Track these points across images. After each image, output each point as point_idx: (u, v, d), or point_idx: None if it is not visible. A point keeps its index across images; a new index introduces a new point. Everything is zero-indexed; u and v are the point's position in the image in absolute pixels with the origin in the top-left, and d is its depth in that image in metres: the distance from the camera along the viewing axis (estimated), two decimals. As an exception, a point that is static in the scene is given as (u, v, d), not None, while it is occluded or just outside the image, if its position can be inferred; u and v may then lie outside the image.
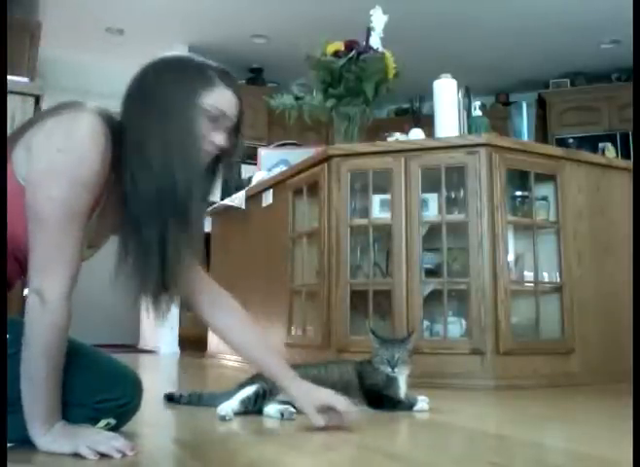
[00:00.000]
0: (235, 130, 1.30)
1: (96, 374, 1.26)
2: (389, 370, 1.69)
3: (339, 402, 1.39)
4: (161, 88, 1.20)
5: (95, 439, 1.11)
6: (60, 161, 1.10)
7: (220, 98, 1.24)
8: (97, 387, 1.23)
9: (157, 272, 1.19)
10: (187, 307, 1.44)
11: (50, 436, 1.10)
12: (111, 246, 1.38)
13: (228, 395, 1.64)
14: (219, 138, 1.25)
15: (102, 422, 1.22)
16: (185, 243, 1.21)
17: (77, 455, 1.07)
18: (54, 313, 1.10)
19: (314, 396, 1.40)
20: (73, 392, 1.18)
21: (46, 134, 1.13)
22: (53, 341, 1.10)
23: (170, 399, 1.83)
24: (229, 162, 1.33)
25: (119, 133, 1.18)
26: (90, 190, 1.13)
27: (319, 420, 1.36)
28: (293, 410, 1.55)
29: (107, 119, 1.18)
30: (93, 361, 1.29)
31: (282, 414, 1.53)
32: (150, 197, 1.16)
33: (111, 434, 1.15)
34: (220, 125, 1.25)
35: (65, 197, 1.10)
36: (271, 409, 1.56)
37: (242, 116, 1.32)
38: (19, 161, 1.14)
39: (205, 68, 1.25)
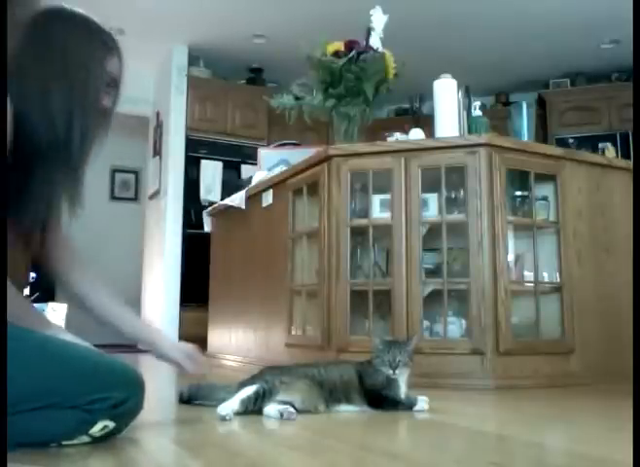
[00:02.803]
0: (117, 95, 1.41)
1: (86, 373, 1.20)
2: (390, 372, 1.69)
3: (196, 351, 1.55)
4: (73, 46, 1.29)
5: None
6: None
7: (117, 66, 1.36)
8: (88, 387, 1.18)
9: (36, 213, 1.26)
10: (42, 263, 1.44)
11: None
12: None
13: (226, 388, 1.64)
14: (107, 101, 1.36)
15: (99, 425, 1.18)
16: (61, 193, 1.28)
17: (79, 452, 1.07)
18: None
19: (180, 347, 1.54)
20: (63, 394, 1.15)
21: None
22: None
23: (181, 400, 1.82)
24: (106, 122, 1.40)
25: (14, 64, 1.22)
26: None
27: (189, 366, 1.51)
28: (293, 410, 1.55)
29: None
30: (82, 360, 1.23)
31: (282, 415, 1.53)
32: (43, 144, 1.22)
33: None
34: (110, 89, 1.36)
35: None
36: (271, 409, 1.56)
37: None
38: None
39: (108, 35, 1.36)
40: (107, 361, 1.25)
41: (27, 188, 1.24)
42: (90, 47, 1.31)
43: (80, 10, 1.36)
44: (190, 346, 1.55)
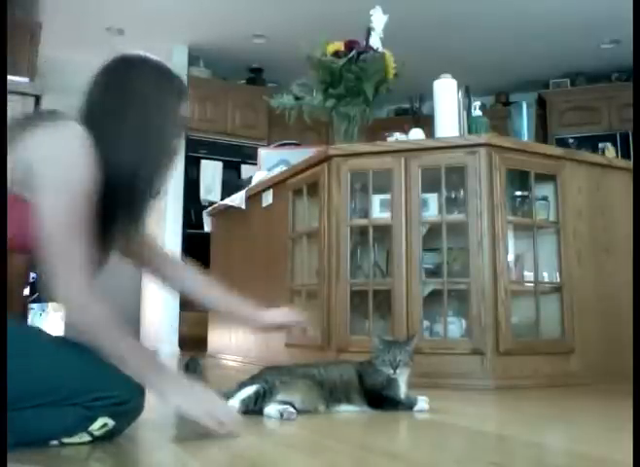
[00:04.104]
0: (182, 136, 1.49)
1: (91, 371, 1.22)
2: (391, 371, 1.69)
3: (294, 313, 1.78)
4: (152, 94, 1.33)
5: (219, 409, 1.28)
6: (59, 173, 1.18)
7: (186, 111, 1.41)
8: (91, 386, 1.19)
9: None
10: (141, 268, 1.66)
11: (184, 395, 1.24)
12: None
13: (228, 395, 1.63)
14: (175, 142, 1.41)
15: (99, 422, 1.18)
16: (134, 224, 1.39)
17: (78, 452, 1.07)
18: (89, 309, 1.19)
19: (281, 312, 1.74)
20: (64, 391, 1.17)
21: (39, 148, 1.19)
22: (104, 324, 1.20)
23: None
24: (172, 162, 1.47)
25: (93, 112, 1.28)
26: (88, 195, 1.21)
27: (299, 317, 1.76)
28: (293, 410, 1.55)
29: (81, 121, 1.27)
30: (88, 359, 1.23)
31: (282, 415, 1.53)
32: (109, 187, 1.26)
33: (226, 406, 1.36)
34: (179, 131, 1.42)
35: (68, 206, 1.18)
36: (272, 409, 1.56)
37: None
38: (13, 173, 1.19)
39: (180, 81, 1.40)
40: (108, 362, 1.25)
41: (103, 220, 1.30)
42: (167, 95, 1.36)
43: (154, 57, 1.41)
44: (286, 310, 1.78)
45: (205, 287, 1.65)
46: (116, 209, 1.30)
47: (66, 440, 1.18)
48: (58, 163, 1.18)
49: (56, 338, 1.26)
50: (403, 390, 1.71)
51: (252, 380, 1.66)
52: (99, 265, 1.35)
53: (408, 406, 1.71)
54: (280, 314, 1.71)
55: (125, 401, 1.22)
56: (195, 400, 1.25)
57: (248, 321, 1.70)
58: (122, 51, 1.39)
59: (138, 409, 1.27)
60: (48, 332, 1.28)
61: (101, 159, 1.24)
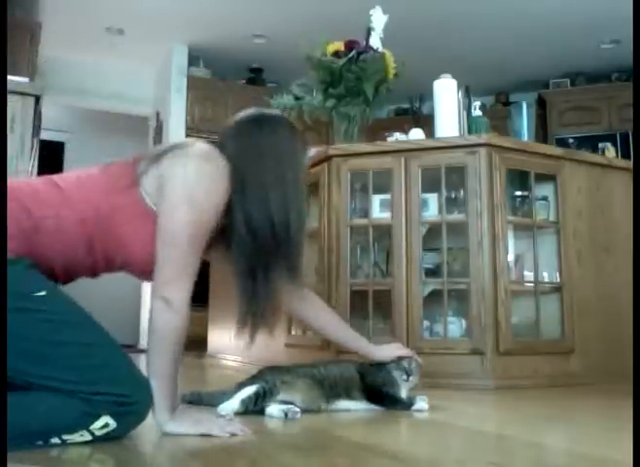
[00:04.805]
0: None
1: (104, 362, 1.22)
2: (404, 377, 1.71)
3: (407, 351, 1.81)
4: (279, 147, 1.45)
5: (219, 423, 1.34)
6: (194, 191, 1.31)
7: (308, 159, 1.56)
8: (98, 375, 1.19)
9: (264, 301, 1.47)
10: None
11: (176, 421, 1.29)
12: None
13: (228, 394, 1.63)
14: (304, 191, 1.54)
15: (101, 421, 1.17)
16: (286, 271, 1.48)
17: (79, 452, 1.07)
18: (180, 317, 1.30)
19: (393, 347, 1.80)
20: (69, 373, 1.17)
21: (179, 168, 1.33)
22: (177, 340, 1.30)
23: None
24: None
25: (232, 172, 1.38)
26: (214, 216, 1.34)
27: (409, 352, 1.78)
28: (297, 409, 1.55)
29: (222, 156, 1.38)
30: (108, 349, 1.24)
31: (286, 414, 1.53)
32: (263, 235, 1.39)
33: (225, 420, 1.39)
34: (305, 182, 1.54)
35: (197, 221, 1.31)
36: (274, 409, 1.56)
37: None
38: (150, 189, 1.33)
39: (301, 132, 1.53)
40: (124, 361, 1.26)
41: (255, 279, 1.43)
42: (295, 147, 1.49)
43: (276, 112, 1.54)
44: (397, 348, 1.82)
45: (323, 317, 1.76)
46: (275, 260, 1.43)
47: (67, 437, 1.17)
48: (196, 183, 1.31)
49: (88, 318, 1.27)
50: (403, 390, 1.72)
51: (252, 380, 1.65)
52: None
53: (408, 405, 1.71)
54: (392, 349, 1.78)
55: (129, 403, 1.21)
56: (194, 423, 1.32)
57: (362, 356, 1.79)
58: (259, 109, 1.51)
59: (142, 413, 1.25)
60: (82, 310, 1.29)
61: (251, 216, 1.38)
